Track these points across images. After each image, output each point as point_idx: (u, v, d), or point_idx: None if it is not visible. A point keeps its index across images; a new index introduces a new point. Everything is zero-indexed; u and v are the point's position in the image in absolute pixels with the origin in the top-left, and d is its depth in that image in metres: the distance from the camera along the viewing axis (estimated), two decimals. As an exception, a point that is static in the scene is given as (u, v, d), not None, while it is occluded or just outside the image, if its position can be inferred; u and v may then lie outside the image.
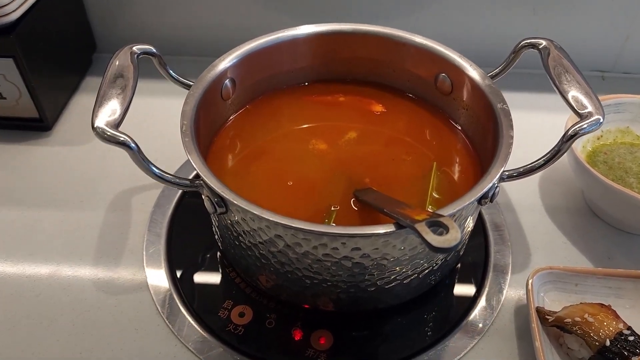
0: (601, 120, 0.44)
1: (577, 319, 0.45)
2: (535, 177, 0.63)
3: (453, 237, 0.34)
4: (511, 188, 0.62)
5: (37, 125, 0.67)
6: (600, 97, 0.59)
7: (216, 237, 0.53)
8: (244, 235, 0.45)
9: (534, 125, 0.68)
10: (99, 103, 0.44)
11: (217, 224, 0.50)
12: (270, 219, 0.40)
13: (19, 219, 0.57)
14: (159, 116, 0.70)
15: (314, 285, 0.46)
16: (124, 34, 0.79)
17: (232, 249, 0.49)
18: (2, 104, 0.65)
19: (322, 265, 0.43)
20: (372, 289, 0.46)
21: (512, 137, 0.46)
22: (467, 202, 0.41)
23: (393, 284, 0.46)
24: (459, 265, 0.55)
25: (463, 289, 0.53)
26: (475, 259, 0.55)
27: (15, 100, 0.64)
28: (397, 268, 0.44)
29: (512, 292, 0.52)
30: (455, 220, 0.43)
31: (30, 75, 0.62)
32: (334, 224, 0.47)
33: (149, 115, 0.70)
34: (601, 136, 0.61)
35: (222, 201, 0.44)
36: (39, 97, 0.64)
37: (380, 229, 0.39)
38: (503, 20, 0.74)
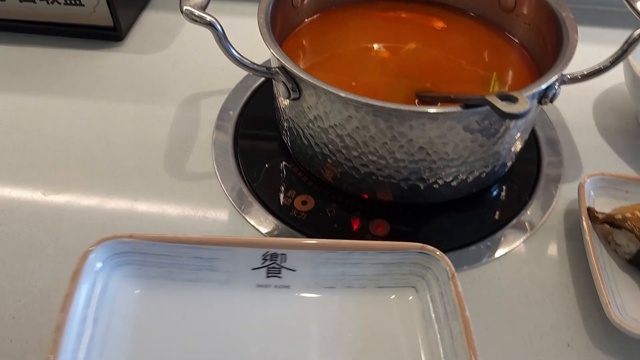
0: (667, 24, 0.46)
1: (628, 214, 0.47)
2: (590, 100, 0.65)
3: (522, 105, 0.37)
4: (566, 108, 0.63)
5: (111, 34, 0.71)
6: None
7: (283, 132, 0.56)
8: (314, 121, 0.48)
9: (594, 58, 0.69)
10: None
11: (286, 115, 0.53)
12: (345, 96, 0.43)
13: (97, 113, 0.62)
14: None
15: (377, 171, 0.49)
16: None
17: (299, 139, 0.52)
18: (79, 10, 0.69)
19: (388, 150, 0.46)
20: (431, 180, 0.49)
21: (576, 40, 0.48)
22: (535, 90, 0.43)
23: (451, 178, 0.49)
24: (511, 171, 0.57)
25: (515, 193, 0.55)
26: (528, 169, 0.57)
27: (93, 7, 0.68)
28: (457, 160, 0.47)
29: (563, 198, 0.54)
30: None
31: (108, -15, 0.66)
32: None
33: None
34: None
35: (296, 86, 0.47)
36: (115, 6, 0.68)
37: (449, 109, 0.42)
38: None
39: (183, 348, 0.33)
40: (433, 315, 0.35)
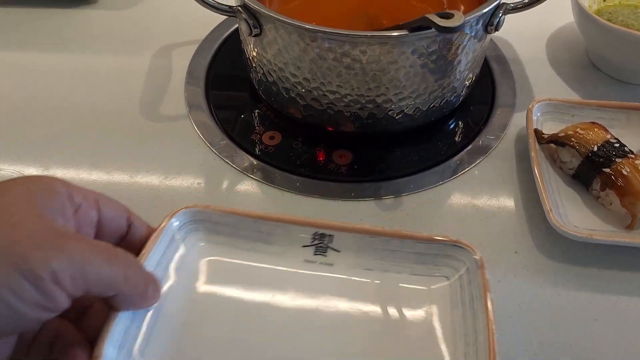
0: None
1: (570, 132, 0.51)
2: (543, 37, 0.68)
3: (457, 19, 0.40)
4: (520, 44, 0.67)
5: (84, -8, 0.74)
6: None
7: (250, 72, 0.59)
8: (275, 56, 0.51)
9: None
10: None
11: (251, 54, 0.56)
12: (300, 25, 0.46)
13: (73, 68, 0.64)
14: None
15: (337, 101, 0.52)
16: None
17: (264, 77, 0.55)
18: (52, -31, 0.71)
19: (344, 79, 0.49)
20: (388, 109, 0.52)
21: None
22: (476, 14, 0.46)
23: (407, 107, 0.52)
24: (467, 101, 0.60)
25: (472, 121, 0.59)
26: (483, 97, 0.61)
27: (65, -35, 0.70)
28: (410, 87, 0.50)
29: (514, 125, 0.58)
30: (461, 47, 0.49)
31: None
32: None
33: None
34: (606, -2, 0.66)
35: (257, 22, 0.50)
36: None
37: (396, 32, 0.45)
38: None
39: (236, 306, 0.38)
40: (460, 299, 0.39)
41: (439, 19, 0.40)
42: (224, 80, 0.64)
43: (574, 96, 0.61)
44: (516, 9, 0.52)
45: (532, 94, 0.61)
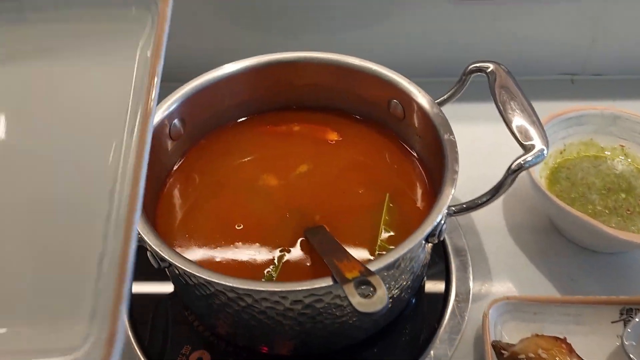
0: (545, 152, 0.43)
1: (531, 354, 0.45)
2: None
3: (379, 300, 0.34)
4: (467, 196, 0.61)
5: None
6: (564, 109, 0.59)
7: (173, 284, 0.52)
8: (191, 287, 0.45)
9: (496, 137, 0.66)
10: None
11: (169, 273, 0.50)
12: (204, 277, 0.40)
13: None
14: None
15: (265, 333, 0.45)
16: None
17: (186, 295, 0.49)
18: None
19: (268, 316, 0.43)
20: (324, 333, 0.45)
21: (456, 172, 0.45)
22: (404, 251, 0.40)
23: (346, 327, 0.46)
24: (421, 293, 0.54)
25: (423, 321, 0.52)
26: (437, 287, 0.54)
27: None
28: (346, 312, 0.44)
29: (472, 322, 0.51)
30: (399, 264, 0.43)
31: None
32: (273, 278, 0.46)
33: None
34: (564, 150, 0.60)
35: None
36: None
37: (315, 284, 0.39)
38: (464, 29, 0.72)
39: None
40: None
41: (357, 298, 0.34)
42: (146, 287, 0.56)
43: (536, 273, 0.55)
44: (455, 213, 0.46)
45: (489, 274, 0.55)
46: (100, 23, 0.34)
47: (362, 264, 0.38)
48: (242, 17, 0.72)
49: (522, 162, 0.43)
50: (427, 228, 0.42)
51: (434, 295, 0.54)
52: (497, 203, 0.61)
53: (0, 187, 0.29)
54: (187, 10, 0.71)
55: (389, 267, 0.40)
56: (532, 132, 0.45)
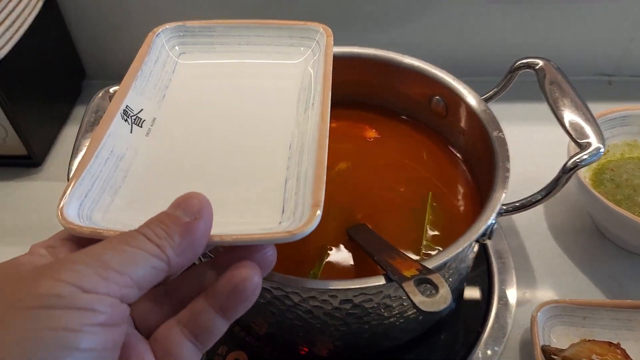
0: (602, 150, 0.42)
1: (584, 358, 0.43)
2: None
3: (442, 299, 0.32)
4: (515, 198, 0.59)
5: (26, 162, 0.66)
6: (606, 110, 0.57)
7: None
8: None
9: (541, 136, 0.65)
10: (74, 155, 0.43)
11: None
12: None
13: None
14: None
15: (308, 333, 0.44)
16: (113, 59, 0.77)
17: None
18: (-12, 142, 0.64)
19: (314, 315, 0.41)
20: (369, 334, 0.44)
21: (508, 170, 0.44)
22: (458, 250, 0.39)
23: (391, 328, 0.44)
24: (461, 298, 0.53)
25: (466, 326, 0.51)
26: (479, 291, 0.53)
27: (2, 139, 0.63)
28: (394, 313, 0.42)
29: (517, 326, 0.50)
30: (449, 266, 0.42)
31: (15, 115, 0.61)
32: (318, 279, 0.45)
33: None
34: (607, 151, 0.59)
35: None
36: (26, 135, 0.63)
37: (368, 282, 0.37)
38: (501, 27, 0.71)
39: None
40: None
41: (419, 297, 0.32)
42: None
43: (581, 277, 0.53)
44: (507, 212, 0.44)
45: (533, 277, 0.53)
46: (276, 60, 0.46)
47: (419, 262, 0.37)
48: (278, 11, 0.72)
49: (578, 160, 0.42)
50: (481, 227, 0.40)
51: (475, 299, 0.53)
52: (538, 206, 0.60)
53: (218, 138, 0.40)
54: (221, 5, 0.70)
55: (441, 267, 0.39)
56: (588, 129, 0.43)
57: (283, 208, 0.35)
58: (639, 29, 0.69)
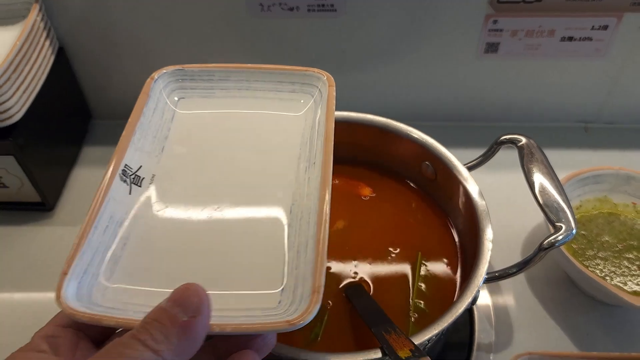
0: (574, 232, 0.47)
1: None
2: (518, 247, 0.66)
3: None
4: (495, 258, 0.64)
5: (40, 208, 0.70)
6: (580, 170, 0.63)
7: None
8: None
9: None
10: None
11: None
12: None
13: (22, 305, 0.61)
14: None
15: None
16: (117, 97, 0.80)
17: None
18: (4, 192, 0.67)
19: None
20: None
21: (490, 242, 0.49)
22: (445, 325, 0.44)
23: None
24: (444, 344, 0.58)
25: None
26: (460, 338, 0.58)
27: (18, 188, 0.67)
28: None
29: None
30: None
31: (29, 165, 0.64)
32: (318, 338, 0.50)
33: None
34: (580, 206, 0.64)
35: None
36: (39, 183, 0.67)
37: (367, 356, 0.43)
38: (484, 77, 0.76)
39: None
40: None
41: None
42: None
43: (553, 326, 0.59)
44: (487, 281, 0.49)
45: (511, 327, 0.59)
46: (277, 111, 0.47)
47: (411, 341, 0.42)
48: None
49: (553, 241, 0.47)
50: (466, 301, 0.45)
51: (458, 346, 0.58)
52: (516, 255, 0.65)
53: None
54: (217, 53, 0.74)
55: (430, 339, 0.44)
56: (562, 213, 0.48)
57: (283, 284, 0.36)
58: (615, 83, 0.75)
